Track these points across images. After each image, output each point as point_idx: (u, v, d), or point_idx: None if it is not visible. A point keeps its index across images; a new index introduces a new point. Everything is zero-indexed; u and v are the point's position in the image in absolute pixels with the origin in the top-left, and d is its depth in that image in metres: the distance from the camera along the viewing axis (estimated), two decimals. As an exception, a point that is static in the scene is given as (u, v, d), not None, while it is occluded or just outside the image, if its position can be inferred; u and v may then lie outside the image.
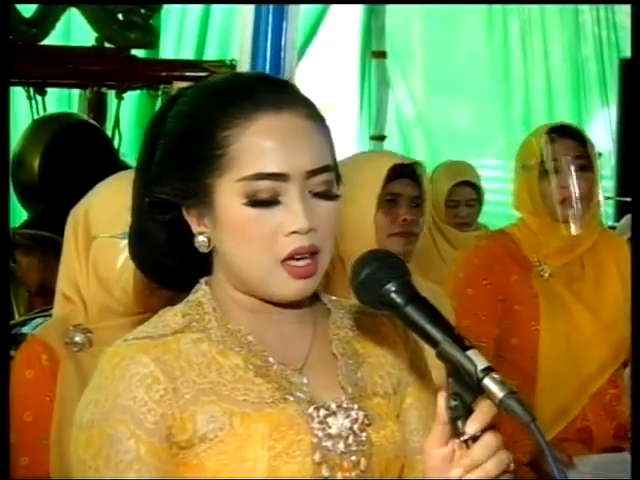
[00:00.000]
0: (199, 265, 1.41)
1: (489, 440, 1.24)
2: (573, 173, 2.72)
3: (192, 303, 1.40)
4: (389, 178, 2.47)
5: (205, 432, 1.31)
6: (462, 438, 1.24)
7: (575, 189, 2.72)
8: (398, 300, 1.29)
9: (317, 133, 1.37)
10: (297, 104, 1.37)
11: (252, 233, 1.33)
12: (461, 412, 1.24)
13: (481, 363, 1.23)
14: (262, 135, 1.33)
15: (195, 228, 1.38)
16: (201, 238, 1.37)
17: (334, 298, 1.49)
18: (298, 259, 1.34)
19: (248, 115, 1.34)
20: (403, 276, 1.31)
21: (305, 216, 1.32)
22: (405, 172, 2.55)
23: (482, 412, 1.24)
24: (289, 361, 1.38)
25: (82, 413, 1.34)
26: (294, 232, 1.33)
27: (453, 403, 1.25)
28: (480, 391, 1.23)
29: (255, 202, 1.33)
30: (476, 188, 4.35)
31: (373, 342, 1.47)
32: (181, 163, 1.36)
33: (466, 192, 4.29)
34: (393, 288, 1.29)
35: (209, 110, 1.36)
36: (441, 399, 1.26)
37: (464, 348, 1.24)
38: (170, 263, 1.43)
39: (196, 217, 1.37)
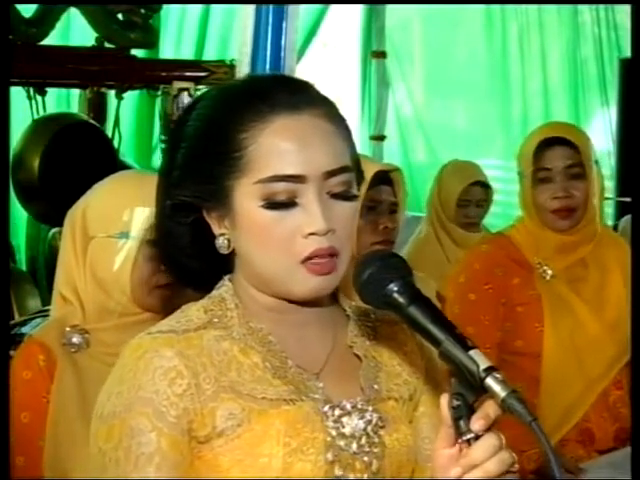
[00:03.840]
0: (223, 265, 1.42)
1: (489, 440, 1.24)
2: (565, 183, 2.70)
3: (215, 299, 1.41)
4: (369, 185, 2.48)
5: (223, 429, 1.32)
6: (464, 437, 1.25)
7: (567, 200, 2.71)
8: (401, 300, 1.29)
9: (335, 133, 1.37)
10: (315, 104, 1.37)
11: (270, 235, 1.34)
12: (463, 412, 1.24)
13: (483, 363, 1.23)
14: (278, 136, 1.33)
15: (216, 230, 1.39)
16: (221, 239, 1.38)
17: (354, 303, 1.50)
18: (317, 258, 1.34)
19: (264, 117, 1.34)
20: (405, 276, 1.31)
21: (323, 217, 1.32)
22: (384, 179, 2.57)
23: (486, 411, 1.24)
24: (307, 365, 1.39)
25: (104, 404, 1.34)
26: (312, 234, 1.33)
27: (455, 403, 1.25)
28: (482, 391, 1.23)
29: (273, 204, 1.33)
30: (486, 188, 4.36)
31: (390, 350, 1.48)
32: (201, 166, 1.37)
33: (477, 192, 4.31)
34: (395, 288, 1.29)
35: (227, 113, 1.37)
36: (444, 401, 1.26)
37: (466, 348, 1.25)
38: (194, 264, 1.44)
39: (216, 219, 1.38)
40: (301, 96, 1.37)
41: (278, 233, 1.33)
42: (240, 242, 1.37)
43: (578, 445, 2.68)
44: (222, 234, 1.38)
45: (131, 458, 1.30)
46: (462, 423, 1.24)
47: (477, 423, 1.23)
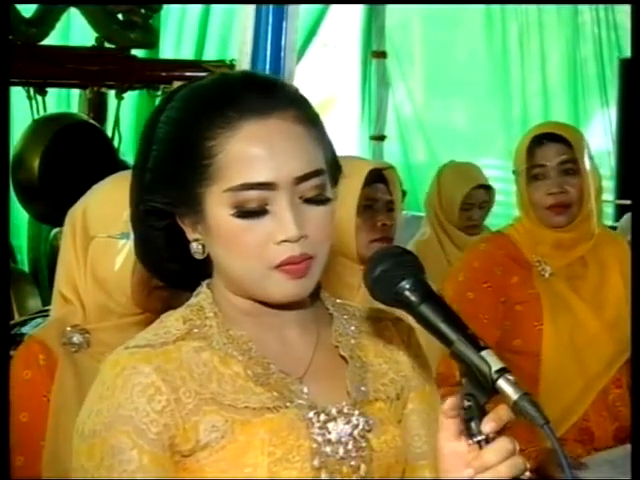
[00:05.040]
0: (202, 267, 1.40)
1: (503, 444, 1.22)
2: (559, 179, 2.71)
3: (193, 307, 1.40)
4: (365, 184, 2.49)
5: (207, 441, 1.30)
6: (476, 439, 1.23)
7: (561, 196, 2.71)
8: (412, 298, 1.27)
9: (306, 136, 1.34)
10: (284, 108, 1.34)
11: (242, 243, 1.32)
12: (475, 413, 1.23)
13: (495, 364, 1.22)
14: (247, 143, 1.31)
15: (190, 235, 1.37)
16: (195, 245, 1.36)
17: (339, 301, 1.49)
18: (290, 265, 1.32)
19: (231, 123, 1.31)
20: (418, 274, 1.29)
21: (295, 224, 1.30)
22: (379, 178, 2.58)
23: (498, 413, 1.23)
24: (290, 369, 1.37)
25: (84, 422, 1.32)
26: (284, 240, 1.31)
27: (467, 404, 1.23)
28: (494, 392, 1.21)
29: (244, 213, 1.31)
30: (488, 190, 4.37)
31: (376, 348, 1.47)
32: (172, 172, 1.35)
33: (480, 194, 4.31)
34: (407, 286, 1.28)
35: (195, 118, 1.34)
36: (449, 403, 1.25)
37: (478, 348, 1.23)
38: (173, 267, 1.42)
39: (190, 225, 1.36)
40: (270, 100, 1.34)
41: (250, 241, 1.31)
42: (214, 248, 1.35)
43: (577, 444, 2.67)
44: (196, 239, 1.36)
45: (114, 476, 1.29)
46: (473, 424, 1.23)
47: (488, 425, 1.22)
